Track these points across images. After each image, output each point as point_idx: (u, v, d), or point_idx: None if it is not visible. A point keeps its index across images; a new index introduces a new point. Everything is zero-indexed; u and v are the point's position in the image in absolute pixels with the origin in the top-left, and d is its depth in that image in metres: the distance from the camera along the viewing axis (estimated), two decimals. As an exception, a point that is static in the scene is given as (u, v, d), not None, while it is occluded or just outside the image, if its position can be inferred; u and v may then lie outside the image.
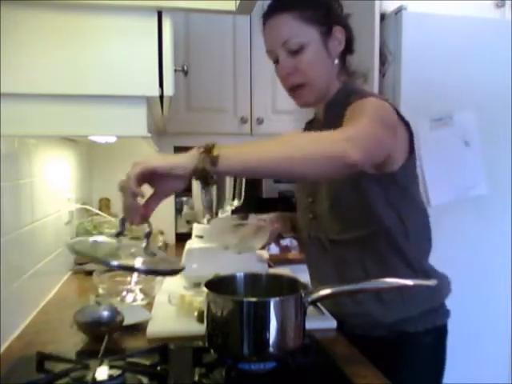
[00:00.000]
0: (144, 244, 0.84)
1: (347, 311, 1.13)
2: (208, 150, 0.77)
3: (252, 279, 0.99)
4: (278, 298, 0.84)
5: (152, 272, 0.87)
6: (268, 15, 1.10)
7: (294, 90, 1.11)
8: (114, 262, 0.77)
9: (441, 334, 1.13)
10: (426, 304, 1.10)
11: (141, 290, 1.30)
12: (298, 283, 0.93)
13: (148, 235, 0.84)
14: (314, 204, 1.17)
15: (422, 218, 1.17)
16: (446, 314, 1.14)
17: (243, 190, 1.49)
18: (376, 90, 1.97)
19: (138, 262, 0.79)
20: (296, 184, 1.30)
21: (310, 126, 1.32)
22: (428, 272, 1.14)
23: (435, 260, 1.29)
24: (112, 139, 1.63)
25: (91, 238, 0.89)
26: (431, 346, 1.12)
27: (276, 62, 1.12)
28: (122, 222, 0.82)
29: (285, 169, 0.81)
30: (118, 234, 0.84)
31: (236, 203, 1.50)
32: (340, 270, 1.14)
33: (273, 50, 1.11)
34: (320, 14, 1.08)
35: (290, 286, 0.94)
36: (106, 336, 0.98)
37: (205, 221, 1.49)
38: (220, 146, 0.78)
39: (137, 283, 1.33)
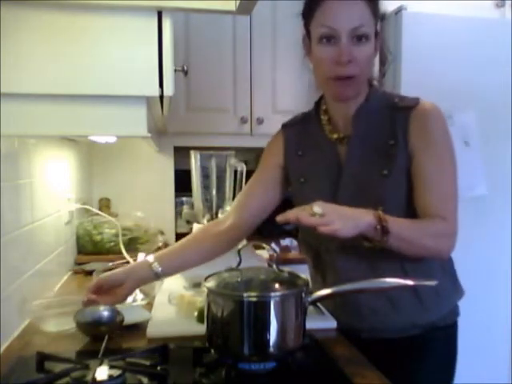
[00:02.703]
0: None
1: (386, 321, 1.12)
2: (385, 227, 0.93)
3: (252, 274, 0.97)
4: (278, 298, 0.85)
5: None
6: None
7: (341, 79, 1.04)
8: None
9: (457, 326, 1.21)
10: (452, 303, 1.19)
11: (141, 290, 1.30)
12: (299, 279, 0.93)
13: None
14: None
15: None
16: (458, 311, 1.22)
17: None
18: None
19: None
20: (312, 186, 1.18)
21: (305, 122, 1.22)
22: (454, 276, 1.21)
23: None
24: (112, 139, 1.63)
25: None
26: (455, 337, 1.21)
27: (327, 40, 1.02)
28: (239, 252, 0.95)
29: (415, 253, 1.03)
30: (239, 264, 0.94)
31: (236, 203, 1.50)
32: (375, 266, 1.09)
33: (335, 29, 1.00)
34: (379, 9, 1.05)
35: (291, 281, 0.93)
36: (106, 336, 0.98)
37: (205, 221, 1.49)
38: (391, 224, 0.94)
39: (137, 283, 1.33)
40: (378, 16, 1.04)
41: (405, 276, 1.06)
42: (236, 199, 1.31)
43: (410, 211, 1.06)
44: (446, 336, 1.18)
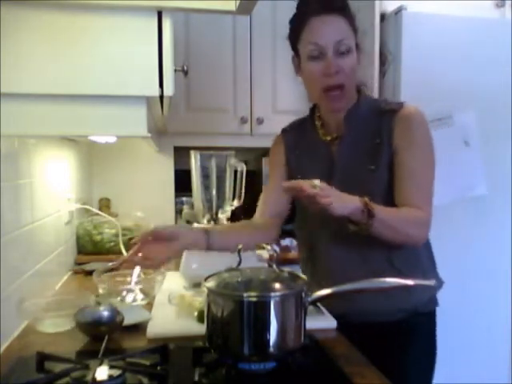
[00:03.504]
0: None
1: (374, 304, 1.19)
2: (371, 212, 1.03)
3: (252, 274, 0.97)
4: (278, 298, 0.85)
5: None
6: (324, 11, 1.13)
7: (330, 90, 1.16)
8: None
9: (436, 314, 1.30)
10: (432, 291, 1.25)
11: (141, 290, 1.30)
12: (299, 278, 0.93)
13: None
14: None
15: None
16: (437, 301, 1.30)
17: (243, 189, 1.49)
18: (376, 89, 1.97)
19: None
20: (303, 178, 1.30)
21: (301, 127, 1.35)
22: (434, 266, 1.29)
23: (436, 260, 1.30)
24: (112, 139, 1.63)
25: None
26: (435, 324, 1.29)
27: (315, 57, 1.15)
28: (239, 251, 0.95)
29: (396, 239, 1.13)
30: (239, 264, 0.94)
31: (236, 203, 1.50)
32: (365, 260, 1.19)
33: (320, 46, 1.14)
34: (356, 24, 1.18)
35: (291, 281, 0.93)
36: (106, 336, 0.98)
37: (205, 221, 1.49)
38: (376, 209, 1.04)
39: (137, 283, 1.33)
40: (356, 30, 1.18)
41: (391, 265, 1.18)
42: (258, 205, 1.40)
43: (393, 202, 1.17)
44: (428, 322, 1.27)
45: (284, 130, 1.40)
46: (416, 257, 1.21)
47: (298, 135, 1.35)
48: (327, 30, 1.13)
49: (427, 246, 1.26)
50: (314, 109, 1.32)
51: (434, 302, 1.29)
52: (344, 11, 1.15)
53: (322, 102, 1.23)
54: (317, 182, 0.99)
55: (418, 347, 1.24)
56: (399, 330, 1.22)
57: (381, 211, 1.06)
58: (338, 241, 1.21)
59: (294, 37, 1.21)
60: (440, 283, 1.24)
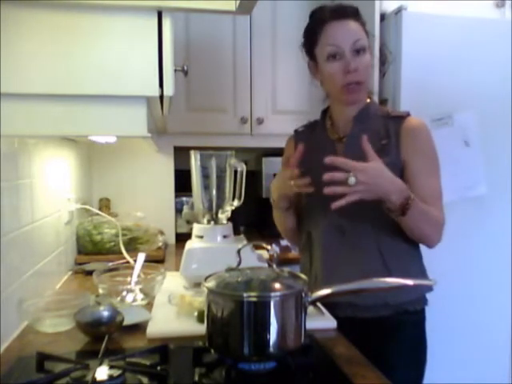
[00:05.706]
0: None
1: (360, 297, 1.21)
2: (409, 203, 1.13)
3: (252, 274, 0.97)
4: (278, 298, 0.85)
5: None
6: (339, 16, 1.24)
7: (349, 85, 1.25)
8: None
9: (425, 314, 1.33)
10: (419, 291, 1.29)
11: (141, 290, 1.30)
12: (299, 278, 0.93)
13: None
14: None
15: None
16: (426, 300, 1.33)
17: (243, 189, 1.49)
18: (376, 89, 1.97)
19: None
20: (311, 176, 1.35)
21: (312, 129, 1.43)
22: (423, 268, 1.33)
23: (435, 260, 1.31)
24: (112, 139, 1.63)
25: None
26: (423, 323, 1.33)
27: (333, 57, 1.24)
28: (239, 251, 0.95)
29: (417, 233, 1.23)
30: (239, 264, 0.95)
31: (236, 203, 1.50)
32: (356, 246, 1.26)
33: (339, 46, 1.23)
34: (367, 30, 1.29)
35: (291, 281, 0.93)
36: (106, 336, 0.98)
37: (205, 221, 1.49)
38: (415, 202, 1.14)
39: (137, 283, 1.33)
40: (368, 34, 1.29)
41: (380, 255, 1.24)
42: None
43: None
44: (416, 321, 1.31)
45: (296, 130, 1.48)
46: (403, 255, 1.27)
47: (309, 134, 1.43)
48: (343, 31, 1.23)
49: (416, 253, 1.32)
50: (325, 111, 1.41)
51: (423, 302, 1.31)
52: (356, 16, 1.26)
53: (341, 97, 1.29)
54: (351, 180, 1.07)
55: (403, 346, 1.27)
56: (384, 326, 1.26)
57: (418, 203, 1.15)
58: (332, 230, 1.28)
59: (311, 42, 1.29)
60: (430, 286, 1.24)
